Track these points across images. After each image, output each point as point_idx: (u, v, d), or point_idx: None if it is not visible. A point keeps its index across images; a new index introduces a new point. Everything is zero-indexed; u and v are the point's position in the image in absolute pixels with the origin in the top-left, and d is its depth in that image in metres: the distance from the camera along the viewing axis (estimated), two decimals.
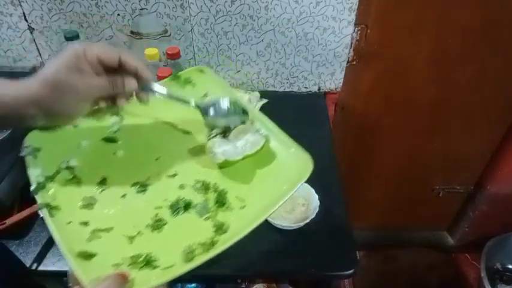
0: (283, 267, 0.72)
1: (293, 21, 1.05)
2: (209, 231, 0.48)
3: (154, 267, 0.43)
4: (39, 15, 1.05)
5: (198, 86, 0.64)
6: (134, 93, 0.52)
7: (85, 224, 0.47)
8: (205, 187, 0.53)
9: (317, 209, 0.75)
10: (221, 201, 0.51)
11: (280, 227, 0.75)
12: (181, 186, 0.53)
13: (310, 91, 1.21)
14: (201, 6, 1.02)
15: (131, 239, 0.46)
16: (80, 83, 0.45)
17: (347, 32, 1.07)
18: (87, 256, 0.43)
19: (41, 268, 0.71)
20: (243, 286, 0.98)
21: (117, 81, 0.48)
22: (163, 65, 0.99)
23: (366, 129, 1.34)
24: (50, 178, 0.50)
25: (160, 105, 0.57)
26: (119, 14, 1.04)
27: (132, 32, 1.03)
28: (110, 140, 0.57)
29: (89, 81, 0.46)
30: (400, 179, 1.50)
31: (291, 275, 0.88)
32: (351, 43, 1.10)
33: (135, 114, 0.58)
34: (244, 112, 0.58)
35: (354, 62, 1.15)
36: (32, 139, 0.53)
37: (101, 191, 0.51)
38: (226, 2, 1.01)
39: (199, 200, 0.51)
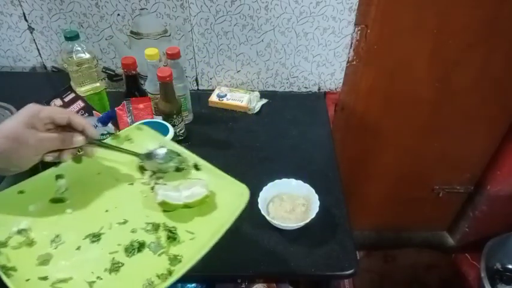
0: (283, 267, 0.72)
1: (293, 21, 1.05)
2: (165, 263, 0.51)
3: None
4: (39, 15, 1.05)
5: (136, 142, 0.69)
6: (82, 148, 0.58)
7: (44, 278, 0.49)
8: (155, 227, 0.57)
9: (317, 209, 0.75)
10: (172, 237, 0.55)
11: (280, 227, 0.75)
12: (133, 230, 0.56)
13: (310, 91, 1.21)
14: (201, 6, 1.02)
15: (91, 284, 0.49)
16: (33, 137, 0.51)
17: (347, 32, 1.07)
18: None
19: None
20: (243, 286, 0.98)
21: (66, 137, 0.54)
22: (164, 65, 0.99)
23: (366, 129, 1.34)
24: (2, 244, 0.52)
25: (102, 160, 0.64)
26: (118, 14, 1.04)
27: (132, 32, 1.03)
28: (58, 200, 0.59)
29: (41, 135, 0.52)
30: (400, 179, 1.50)
31: (291, 275, 0.88)
32: (351, 43, 1.10)
33: (79, 173, 0.61)
34: (179, 156, 0.66)
35: (354, 62, 1.15)
36: None
37: (56, 247, 0.53)
38: (226, 2, 1.01)
39: (152, 239, 0.55)
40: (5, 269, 0.48)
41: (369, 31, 1.08)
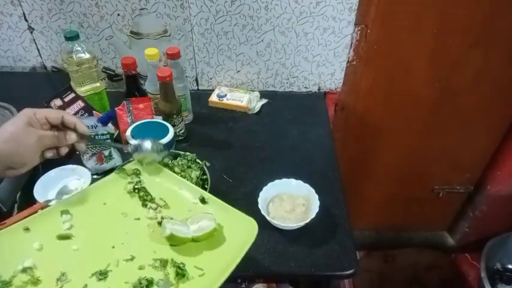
0: (283, 267, 0.72)
1: (293, 21, 1.05)
2: None
3: None
4: (39, 15, 1.05)
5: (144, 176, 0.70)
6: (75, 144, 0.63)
7: None
8: (163, 264, 0.55)
9: (317, 209, 0.75)
10: (181, 274, 0.54)
11: (280, 227, 0.75)
12: (141, 267, 0.55)
13: (310, 91, 1.21)
14: (201, 6, 1.02)
15: None
16: (33, 134, 0.56)
17: (347, 32, 1.07)
18: None
19: None
20: (243, 286, 0.98)
21: (60, 135, 0.60)
22: (164, 65, 0.99)
23: (366, 129, 1.34)
24: (7, 283, 0.51)
25: (107, 193, 0.65)
26: (119, 14, 1.04)
27: (132, 32, 1.03)
28: (64, 237, 0.58)
29: (40, 133, 0.57)
30: (400, 179, 1.50)
31: (291, 275, 0.88)
32: (351, 43, 1.10)
33: (84, 206, 0.62)
34: (164, 148, 0.70)
35: (354, 62, 1.15)
36: None
37: (61, 286, 0.52)
38: (226, 2, 1.01)
39: (160, 276, 0.53)
40: None
41: (369, 31, 1.08)
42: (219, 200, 0.64)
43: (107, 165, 0.89)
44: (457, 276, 1.60)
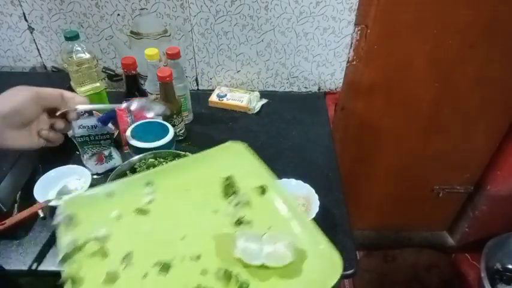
0: None
1: (293, 21, 1.05)
2: None
3: None
4: (39, 15, 1.05)
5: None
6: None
7: None
8: (227, 276, 0.50)
9: (317, 209, 0.75)
10: None
11: None
12: (203, 272, 0.51)
13: (310, 91, 1.21)
14: (201, 6, 1.02)
15: None
16: (34, 116, 0.56)
17: (347, 32, 1.07)
18: None
19: (41, 268, 0.71)
20: None
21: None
22: (164, 65, 0.99)
23: (366, 129, 1.34)
24: (78, 248, 0.51)
25: (193, 177, 0.61)
26: (118, 14, 1.04)
27: (132, 32, 1.03)
28: (142, 211, 0.57)
29: (44, 116, 0.58)
30: (400, 179, 1.50)
31: None
32: (351, 43, 1.10)
33: (168, 183, 0.60)
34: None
35: (354, 62, 1.15)
36: (66, 207, 0.55)
37: (124, 267, 0.51)
38: (226, 2, 1.01)
39: None
40: (73, 280, 0.47)
41: (369, 31, 1.08)
42: (312, 224, 0.56)
43: (107, 165, 0.89)
44: (457, 276, 1.60)
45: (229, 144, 0.66)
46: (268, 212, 0.58)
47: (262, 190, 0.61)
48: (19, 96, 0.55)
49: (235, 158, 0.65)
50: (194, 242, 0.54)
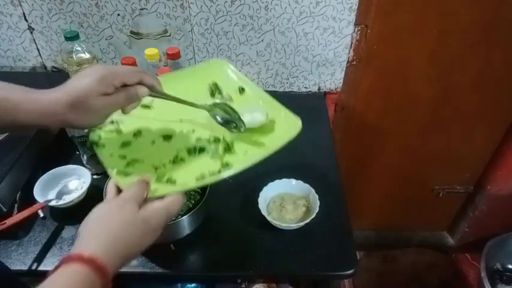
0: (283, 267, 0.73)
1: (293, 21, 1.05)
2: (217, 166, 0.61)
3: (173, 183, 0.58)
4: (39, 15, 1.05)
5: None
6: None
7: (123, 157, 0.63)
8: (216, 140, 0.66)
9: (317, 209, 0.75)
10: (228, 149, 0.64)
11: (280, 227, 0.75)
12: (198, 139, 0.67)
13: (310, 91, 1.21)
14: (201, 6, 1.02)
15: (156, 168, 0.62)
16: (101, 103, 0.51)
17: (347, 32, 1.07)
18: (124, 174, 0.60)
19: (41, 268, 0.71)
20: (243, 286, 0.98)
21: (131, 93, 0.55)
22: (163, 65, 0.99)
23: (366, 129, 1.34)
24: (98, 128, 0.66)
25: (186, 87, 0.71)
26: (118, 14, 1.04)
27: (132, 32, 1.03)
28: (145, 106, 0.71)
29: (110, 100, 0.52)
30: (400, 179, 1.50)
31: (291, 275, 0.88)
32: (351, 43, 1.10)
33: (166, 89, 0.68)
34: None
35: (354, 62, 1.15)
36: None
37: (136, 139, 0.67)
38: (226, 2, 1.01)
39: (211, 148, 0.65)
40: (95, 144, 0.64)
41: (369, 31, 1.08)
42: (273, 99, 0.73)
43: None
44: (457, 276, 1.60)
45: (212, 60, 0.82)
46: (247, 103, 0.73)
47: (241, 90, 0.75)
48: (86, 80, 0.50)
49: (218, 70, 0.78)
50: (189, 123, 0.70)
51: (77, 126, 0.54)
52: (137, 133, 0.67)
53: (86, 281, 0.41)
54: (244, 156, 0.63)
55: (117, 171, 0.59)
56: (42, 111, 0.50)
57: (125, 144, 0.65)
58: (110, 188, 0.55)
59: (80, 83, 0.50)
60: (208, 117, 0.69)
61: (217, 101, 0.73)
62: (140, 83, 0.55)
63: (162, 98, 0.62)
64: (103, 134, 0.66)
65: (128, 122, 0.68)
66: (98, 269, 0.42)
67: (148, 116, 0.70)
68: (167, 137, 0.67)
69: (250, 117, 0.67)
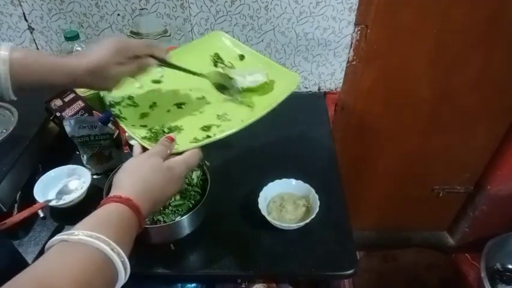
0: (283, 267, 0.72)
1: (293, 21, 1.05)
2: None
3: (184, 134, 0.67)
4: (39, 15, 1.05)
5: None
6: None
7: (144, 126, 0.69)
8: (225, 100, 0.75)
9: (317, 209, 0.75)
10: (236, 104, 0.73)
11: (280, 227, 0.75)
12: (207, 102, 0.75)
13: (310, 91, 1.21)
14: (201, 6, 1.02)
15: (173, 129, 0.69)
16: (115, 71, 0.62)
17: (347, 32, 1.07)
18: (147, 139, 0.65)
19: None
20: (243, 286, 0.98)
21: (142, 64, 0.66)
22: None
23: (366, 129, 1.34)
24: (117, 103, 0.72)
25: (190, 60, 0.77)
26: (118, 14, 1.04)
27: (132, 32, 1.03)
28: (156, 81, 0.78)
29: (123, 69, 0.63)
30: (400, 179, 1.50)
31: (291, 275, 0.88)
32: (351, 43, 1.10)
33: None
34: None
35: (354, 62, 1.15)
36: None
37: (152, 109, 0.73)
38: (226, 2, 1.01)
39: (224, 108, 0.73)
40: (118, 116, 0.70)
41: (369, 31, 1.08)
42: (272, 62, 0.79)
43: (107, 165, 0.89)
44: (457, 276, 1.60)
45: (213, 33, 0.87)
46: (248, 67, 0.79)
47: (241, 57, 0.82)
48: (104, 51, 0.61)
49: (217, 41, 0.84)
50: (199, 91, 0.76)
51: (91, 87, 0.71)
52: (152, 105, 0.74)
53: (125, 215, 0.48)
54: (250, 111, 0.71)
55: (141, 138, 0.65)
56: (67, 74, 0.59)
57: (144, 115, 0.72)
58: (136, 147, 0.63)
59: (99, 53, 0.60)
60: (214, 79, 0.76)
61: (220, 70, 0.79)
62: (151, 56, 0.66)
63: (170, 67, 0.71)
64: (122, 109, 0.72)
65: (141, 96, 0.75)
66: (134, 207, 0.49)
67: (160, 89, 0.77)
68: (180, 104, 0.74)
69: (252, 78, 0.74)
